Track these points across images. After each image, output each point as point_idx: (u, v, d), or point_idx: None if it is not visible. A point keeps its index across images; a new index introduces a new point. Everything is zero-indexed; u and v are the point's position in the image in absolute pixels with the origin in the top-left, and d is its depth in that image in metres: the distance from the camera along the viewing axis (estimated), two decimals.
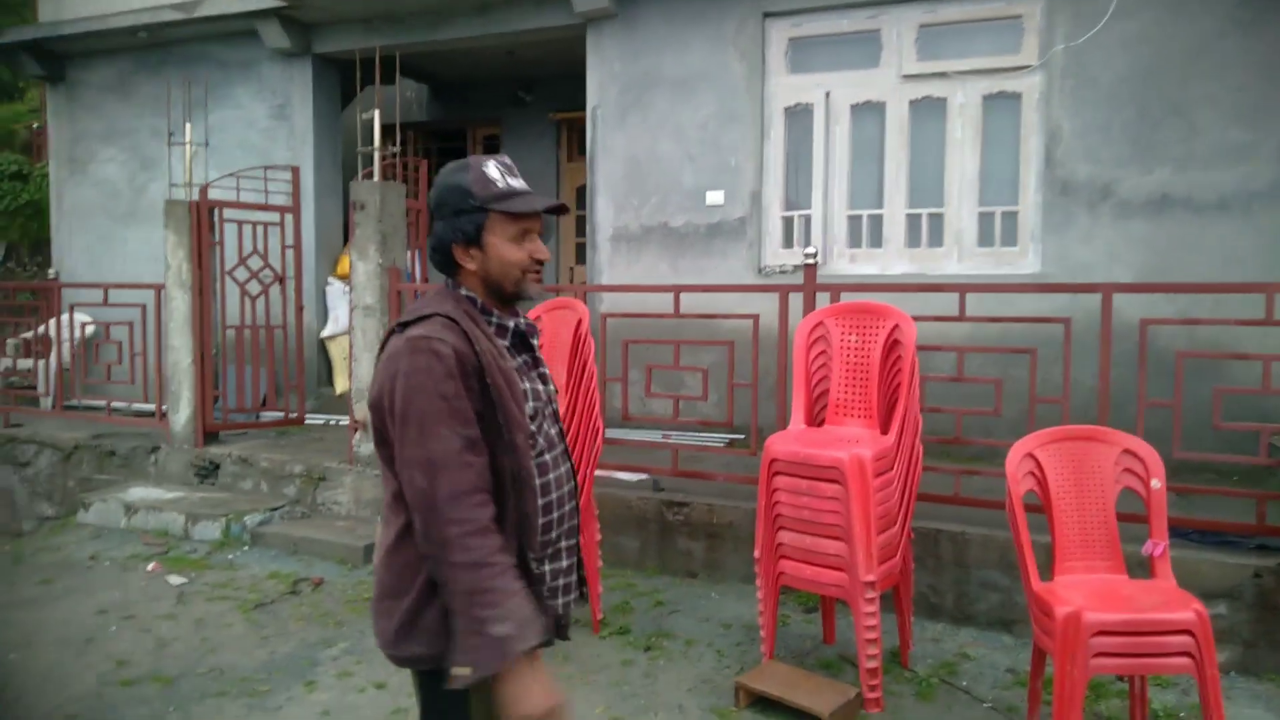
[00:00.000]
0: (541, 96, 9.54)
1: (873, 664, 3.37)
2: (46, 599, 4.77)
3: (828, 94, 6.32)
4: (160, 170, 8.34)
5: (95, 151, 8.99)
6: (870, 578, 3.30)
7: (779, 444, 3.55)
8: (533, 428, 1.78)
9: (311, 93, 8.05)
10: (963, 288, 4.14)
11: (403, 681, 3.69)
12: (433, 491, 1.61)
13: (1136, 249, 5.55)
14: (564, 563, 1.88)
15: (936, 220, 6.14)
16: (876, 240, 6.28)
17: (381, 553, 1.77)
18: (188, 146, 6.66)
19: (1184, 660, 2.80)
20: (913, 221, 6.20)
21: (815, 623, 4.19)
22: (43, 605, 4.68)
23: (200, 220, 6.32)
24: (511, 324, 1.84)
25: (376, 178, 5.66)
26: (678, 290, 4.77)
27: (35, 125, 14.74)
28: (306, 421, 7.09)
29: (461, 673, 1.58)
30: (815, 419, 3.88)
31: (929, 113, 6.12)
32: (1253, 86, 5.32)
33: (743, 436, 6.06)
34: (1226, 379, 4.57)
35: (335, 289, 8.07)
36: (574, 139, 9.68)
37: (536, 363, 1.90)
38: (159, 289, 6.66)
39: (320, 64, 8.14)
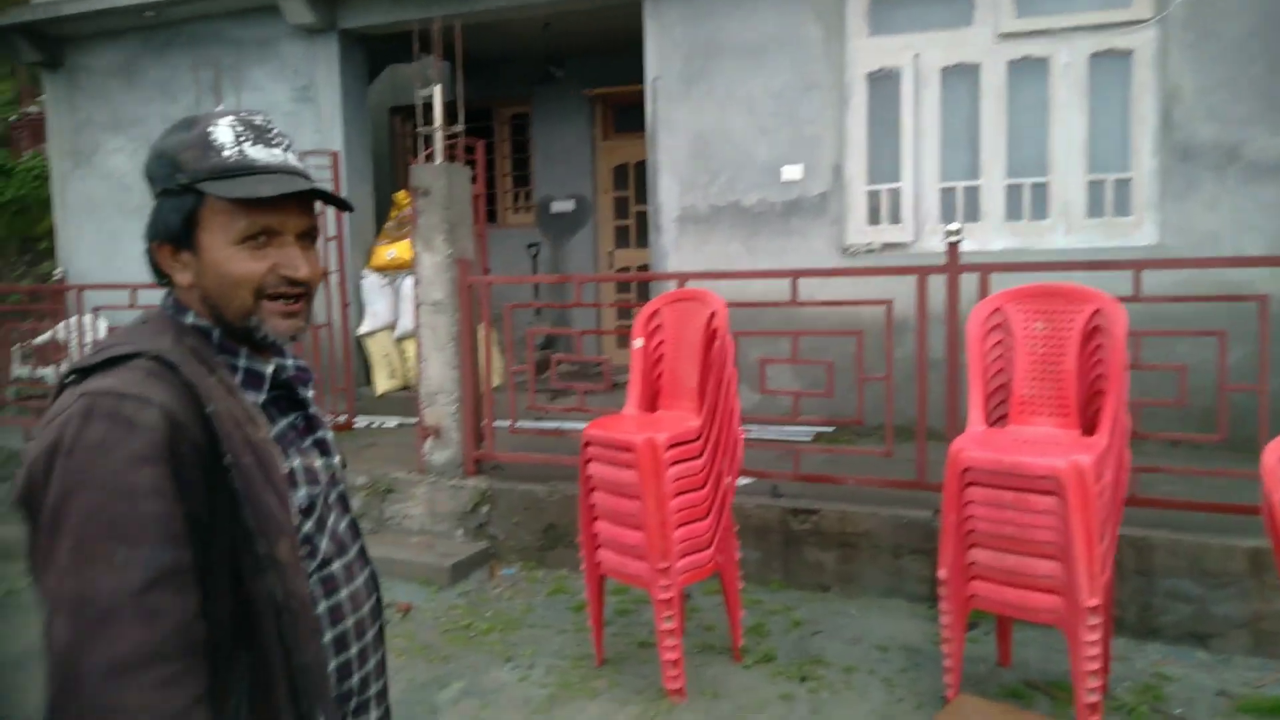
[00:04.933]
0: (574, 72, 8.99)
1: (1093, 698, 2.94)
2: None
3: (916, 56, 5.85)
4: None
5: (101, 142, 8.36)
6: (1094, 602, 2.87)
7: (973, 449, 3.10)
8: (309, 527, 1.19)
9: (339, 72, 7.47)
10: (1139, 264, 3.70)
11: None
12: (77, 656, 0.96)
13: (1270, 214, 5.13)
14: (373, 716, 1.30)
15: (1040, 190, 5.69)
16: (973, 214, 5.83)
17: None
18: None
19: None
20: (1013, 192, 5.75)
21: (982, 642, 3.77)
22: None
23: None
24: (268, 370, 1.21)
25: (439, 160, 5.15)
26: (795, 275, 4.31)
27: (13, 118, 13.98)
28: (354, 426, 6.60)
29: None
30: (991, 418, 3.45)
31: (1029, 74, 5.66)
32: None
33: (833, 429, 5.61)
34: None
35: (370, 282, 7.55)
36: (609, 116, 9.16)
37: (311, 424, 1.28)
38: None
39: (346, 41, 7.56)
